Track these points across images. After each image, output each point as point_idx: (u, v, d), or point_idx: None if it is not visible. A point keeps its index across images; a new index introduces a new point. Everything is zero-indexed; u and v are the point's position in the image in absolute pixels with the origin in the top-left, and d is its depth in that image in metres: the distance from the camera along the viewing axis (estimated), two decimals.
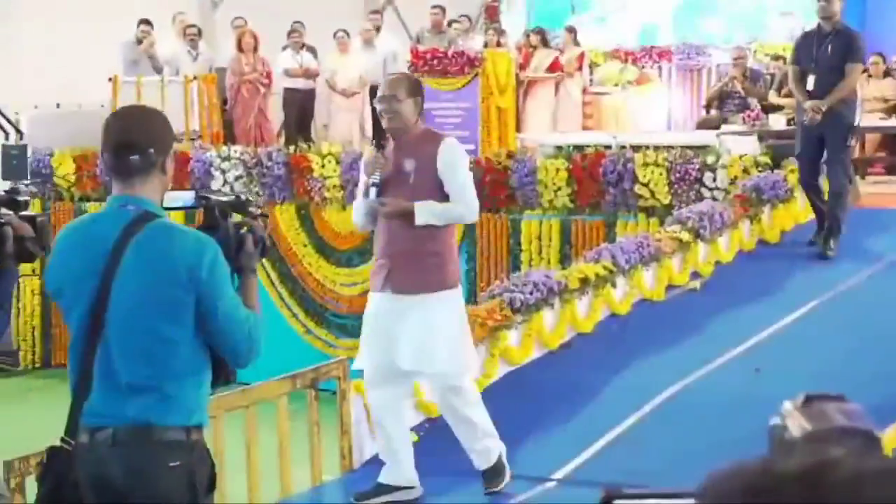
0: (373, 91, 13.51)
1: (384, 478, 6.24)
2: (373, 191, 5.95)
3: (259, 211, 3.98)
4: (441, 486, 6.36)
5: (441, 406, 6.32)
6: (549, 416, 7.26)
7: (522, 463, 6.65)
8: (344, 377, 6.89)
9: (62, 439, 3.69)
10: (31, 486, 4.28)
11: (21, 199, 4.02)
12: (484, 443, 6.24)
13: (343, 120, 15.92)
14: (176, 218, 4.34)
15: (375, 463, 6.52)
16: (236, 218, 3.91)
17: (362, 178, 6.10)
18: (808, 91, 9.76)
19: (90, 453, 3.63)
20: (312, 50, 16.48)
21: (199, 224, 3.85)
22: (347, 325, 12.99)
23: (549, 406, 7.41)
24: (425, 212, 5.90)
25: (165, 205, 3.77)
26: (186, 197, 3.90)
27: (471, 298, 11.40)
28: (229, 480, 6.23)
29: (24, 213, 3.98)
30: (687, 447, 6.52)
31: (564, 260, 11.45)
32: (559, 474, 6.49)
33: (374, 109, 6.22)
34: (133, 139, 3.67)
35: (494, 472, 6.27)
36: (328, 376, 6.94)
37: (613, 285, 8.83)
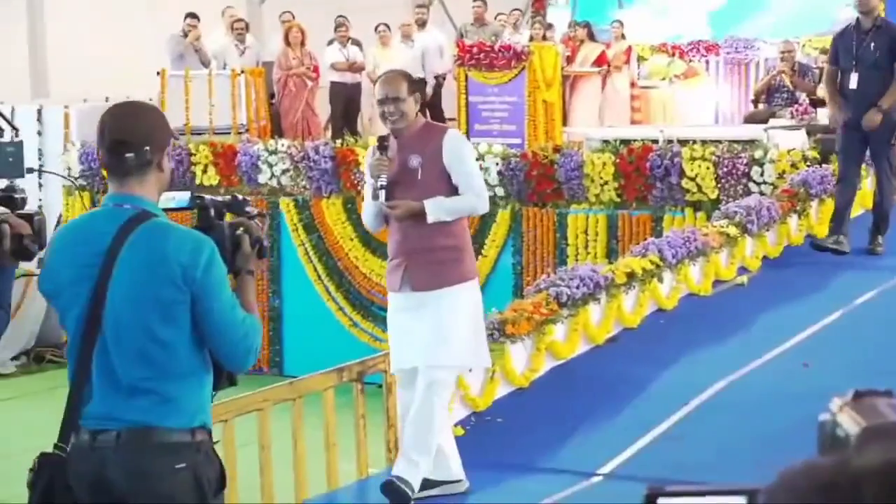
0: None
1: (429, 472, 6.24)
2: (381, 193, 5.89)
3: (256, 211, 3.91)
4: (487, 479, 6.35)
5: (419, 396, 5.91)
6: (596, 410, 7.24)
7: (568, 458, 6.64)
8: (390, 370, 6.90)
9: (55, 445, 3.62)
10: None
11: (18, 196, 4.02)
12: (420, 458, 5.92)
13: None
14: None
15: None
16: (232, 218, 3.84)
17: (368, 181, 6.04)
18: (851, 89, 9.63)
19: (92, 454, 3.58)
20: (358, 44, 16.53)
21: (194, 225, 3.77)
22: None
23: (595, 401, 7.40)
24: (436, 209, 5.83)
25: (161, 205, 3.71)
26: (181, 197, 3.85)
27: (517, 292, 11.42)
28: (276, 472, 6.27)
29: (21, 210, 3.97)
30: (734, 443, 6.50)
31: (611, 254, 11.43)
32: (605, 469, 6.47)
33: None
34: (128, 137, 3.60)
35: (402, 486, 5.88)
36: (374, 370, 6.96)
37: (660, 280, 8.80)
